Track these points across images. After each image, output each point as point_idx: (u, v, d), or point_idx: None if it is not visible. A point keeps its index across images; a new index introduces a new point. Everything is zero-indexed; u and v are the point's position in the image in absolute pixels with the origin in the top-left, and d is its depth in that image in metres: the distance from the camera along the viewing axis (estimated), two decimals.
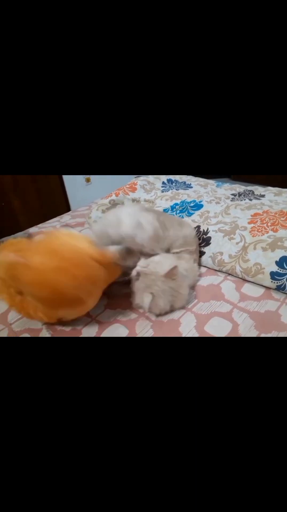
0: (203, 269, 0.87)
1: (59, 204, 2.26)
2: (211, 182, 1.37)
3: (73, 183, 2.32)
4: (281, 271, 0.73)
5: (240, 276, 0.80)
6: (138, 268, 0.69)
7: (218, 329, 0.65)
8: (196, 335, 0.65)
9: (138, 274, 0.68)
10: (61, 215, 1.40)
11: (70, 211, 1.45)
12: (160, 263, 0.69)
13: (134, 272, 0.69)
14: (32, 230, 1.25)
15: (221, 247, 0.86)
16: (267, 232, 0.85)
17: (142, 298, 0.67)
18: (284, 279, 0.72)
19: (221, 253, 0.84)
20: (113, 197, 1.19)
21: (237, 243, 0.84)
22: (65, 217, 1.36)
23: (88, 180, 2.48)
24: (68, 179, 2.27)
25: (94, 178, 2.51)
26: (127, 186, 1.24)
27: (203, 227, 0.94)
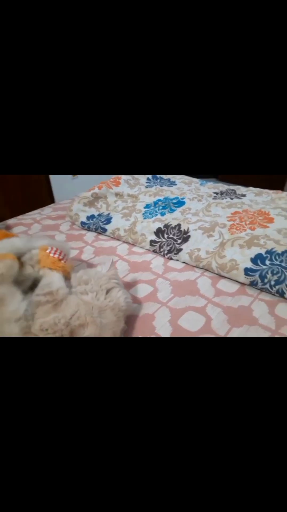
0: (181, 265, 0.88)
1: (43, 197, 2.21)
2: (195, 180, 1.39)
3: (58, 176, 2.28)
4: (254, 268, 0.75)
5: (216, 272, 0.81)
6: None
7: (191, 323, 0.66)
8: (170, 329, 0.65)
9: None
10: (43, 208, 1.37)
11: (53, 204, 1.42)
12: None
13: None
14: (11, 221, 1.22)
15: (199, 243, 0.87)
16: (245, 230, 0.87)
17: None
18: (257, 275, 0.74)
19: (199, 249, 0.85)
20: (96, 190, 1.17)
21: (215, 240, 0.86)
22: (47, 210, 1.34)
23: (74, 174, 2.44)
24: None
25: None
26: (111, 180, 1.23)
27: (183, 227, 0.94)
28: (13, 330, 0.53)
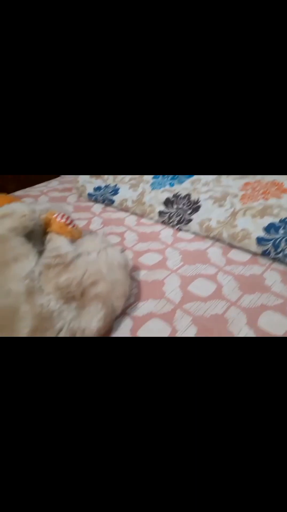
0: (190, 236, 0.86)
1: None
2: None
3: None
4: (267, 237, 0.73)
5: (227, 242, 0.79)
6: None
7: (201, 289, 0.65)
8: (180, 294, 0.64)
9: None
10: (49, 181, 1.35)
11: (59, 177, 1.40)
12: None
13: None
14: (18, 193, 1.20)
15: (209, 213, 0.84)
16: (258, 200, 0.84)
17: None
18: (270, 244, 0.72)
19: (209, 219, 0.83)
20: None
21: (226, 210, 0.83)
22: (53, 182, 1.31)
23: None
24: None
25: None
26: None
27: (193, 197, 0.91)
28: (19, 288, 0.52)
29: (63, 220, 0.68)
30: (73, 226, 0.70)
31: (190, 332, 0.55)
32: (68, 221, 0.69)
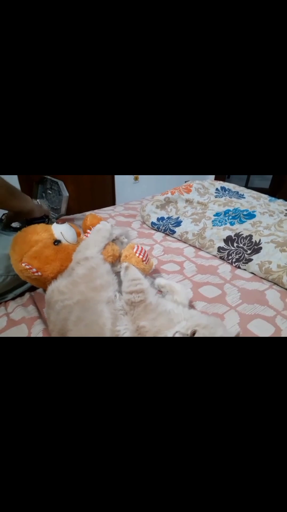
0: (248, 275, 0.90)
1: (106, 197, 2.40)
2: (264, 196, 1.39)
3: (122, 179, 2.46)
4: None
5: (286, 287, 0.82)
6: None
7: (260, 329, 0.69)
8: (238, 330, 0.68)
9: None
10: (114, 206, 1.50)
11: (123, 203, 1.55)
12: (212, 329, 0.54)
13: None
14: (88, 213, 1.37)
15: (271, 256, 0.88)
16: None
17: None
18: None
19: (270, 262, 0.87)
20: (169, 195, 1.26)
21: None
22: (118, 208, 1.46)
23: (136, 178, 2.60)
24: (119, 175, 2.40)
25: (142, 177, 2.62)
26: (183, 187, 1.31)
27: (255, 238, 0.96)
28: (107, 311, 0.61)
29: (141, 256, 0.77)
30: (147, 262, 0.79)
31: None
32: (145, 258, 0.78)
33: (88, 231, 0.92)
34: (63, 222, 0.78)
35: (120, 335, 0.57)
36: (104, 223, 0.81)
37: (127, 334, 0.57)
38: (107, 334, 0.57)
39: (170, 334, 0.53)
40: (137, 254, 0.75)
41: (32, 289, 0.85)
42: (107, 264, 0.72)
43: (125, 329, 0.58)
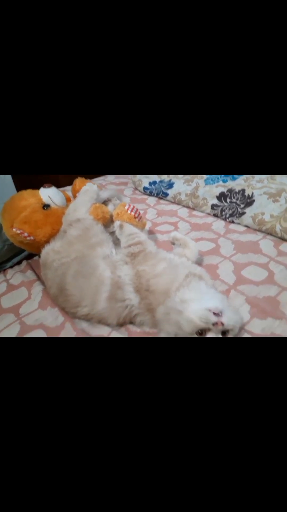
0: (242, 228, 0.91)
1: None
2: None
3: None
4: None
5: (279, 235, 0.82)
6: (219, 329, 0.48)
7: (254, 274, 0.70)
8: (233, 277, 0.70)
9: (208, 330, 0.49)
10: (106, 176, 1.48)
11: None
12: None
13: (205, 317, 0.48)
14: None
15: (263, 208, 0.88)
16: None
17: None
18: None
19: (263, 213, 0.87)
20: None
21: (280, 205, 0.86)
22: (110, 177, 1.44)
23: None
24: None
25: None
26: None
27: (247, 192, 0.95)
28: (104, 263, 0.63)
29: (133, 213, 0.77)
30: (140, 219, 0.79)
31: (244, 309, 0.61)
32: (137, 214, 0.78)
33: (78, 195, 0.91)
34: (49, 186, 0.78)
35: (121, 281, 0.59)
36: (90, 185, 0.81)
37: (127, 279, 0.59)
38: (107, 282, 0.59)
39: (201, 313, 0.49)
40: (129, 211, 0.75)
41: (29, 257, 0.86)
42: (99, 225, 0.72)
43: (125, 275, 0.60)
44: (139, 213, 0.79)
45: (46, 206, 0.74)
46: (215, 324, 0.47)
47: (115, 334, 0.58)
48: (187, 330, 0.49)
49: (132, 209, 0.77)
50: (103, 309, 0.58)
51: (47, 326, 0.62)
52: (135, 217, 0.76)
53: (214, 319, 0.47)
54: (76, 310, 0.60)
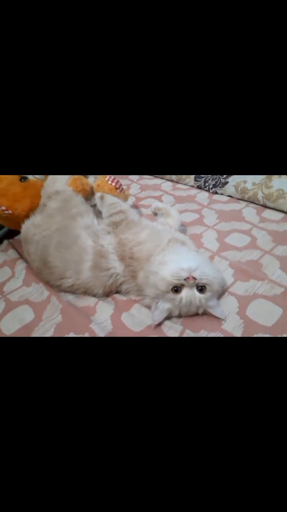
0: (225, 198, 0.91)
1: None
2: None
3: None
4: None
5: (261, 203, 0.83)
6: (191, 282, 0.49)
7: (237, 240, 0.71)
8: (217, 245, 0.71)
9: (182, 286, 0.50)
10: None
11: None
12: (215, 287, 0.52)
13: (178, 273, 0.49)
14: None
15: (245, 176, 0.88)
16: None
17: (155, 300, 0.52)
18: None
19: (245, 181, 0.87)
20: None
21: None
22: None
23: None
24: None
25: None
26: None
27: None
28: (86, 232, 0.62)
29: (114, 184, 0.75)
30: (121, 190, 0.78)
31: (228, 273, 0.62)
32: (118, 185, 0.76)
33: None
34: None
35: (104, 250, 0.58)
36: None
37: (110, 247, 0.58)
38: (89, 251, 0.58)
39: (175, 270, 0.50)
40: (109, 182, 0.74)
41: (10, 236, 0.84)
42: (79, 196, 0.70)
43: (108, 244, 0.59)
44: (121, 184, 0.77)
45: (23, 178, 0.71)
46: (187, 279, 0.48)
47: (101, 304, 0.58)
48: (162, 288, 0.50)
49: (113, 180, 0.76)
50: (87, 278, 0.57)
51: (32, 301, 0.61)
52: (116, 188, 0.74)
53: (185, 274, 0.48)
54: (61, 282, 0.59)
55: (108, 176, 0.76)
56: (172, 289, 0.49)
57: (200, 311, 0.52)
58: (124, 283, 0.58)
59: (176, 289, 0.49)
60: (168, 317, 0.53)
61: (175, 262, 0.51)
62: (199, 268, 0.49)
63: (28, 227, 0.66)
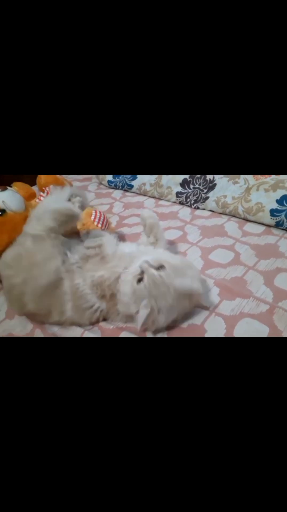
0: (207, 213, 0.92)
1: None
2: None
3: None
4: (280, 208, 0.78)
5: (242, 216, 0.85)
6: (145, 266, 0.51)
7: (221, 257, 0.72)
8: (201, 262, 0.71)
9: (142, 273, 0.51)
10: None
11: None
12: (180, 271, 0.54)
13: (136, 268, 0.53)
14: None
15: (225, 190, 0.90)
16: (270, 176, 0.88)
17: (134, 308, 0.52)
18: (283, 215, 0.77)
19: (225, 196, 0.89)
20: None
21: (240, 186, 0.88)
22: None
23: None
24: None
25: None
26: None
27: (209, 176, 0.96)
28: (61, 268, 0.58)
29: (99, 224, 0.74)
30: (107, 227, 0.76)
31: (214, 292, 0.62)
32: (103, 224, 0.75)
33: (44, 189, 0.86)
34: (3, 189, 0.73)
35: (80, 291, 0.56)
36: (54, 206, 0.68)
37: (86, 288, 0.56)
38: (67, 290, 0.56)
39: (133, 269, 0.54)
40: (95, 223, 0.73)
41: None
42: (54, 240, 0.61)
43: (83, 284, 0.57)
44: (106, 220, 0.77)
45: (1, 212, 0.69)
46: (141, 265, 0.52)
47: (87, 334, 0.57)
48: (129, 290, 0.53)
49: (99, 218, 0.75)
50: (72, 316, 0.56)
51: (16, 335, 0.59)
52: (101, 228, 0.73)
53: (141, 263, 0.53)
54: (46, 320, 0.57)
55: (93, 213, 0.75)
56: (137, 282, 0.52)
57: (172, 291, 0.51)
58: (110, 313, 0.57)
59: (140, 279, 0.52)
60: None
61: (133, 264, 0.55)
62: (153, 257, 0.54)
63: (2, 263, 0.63)
